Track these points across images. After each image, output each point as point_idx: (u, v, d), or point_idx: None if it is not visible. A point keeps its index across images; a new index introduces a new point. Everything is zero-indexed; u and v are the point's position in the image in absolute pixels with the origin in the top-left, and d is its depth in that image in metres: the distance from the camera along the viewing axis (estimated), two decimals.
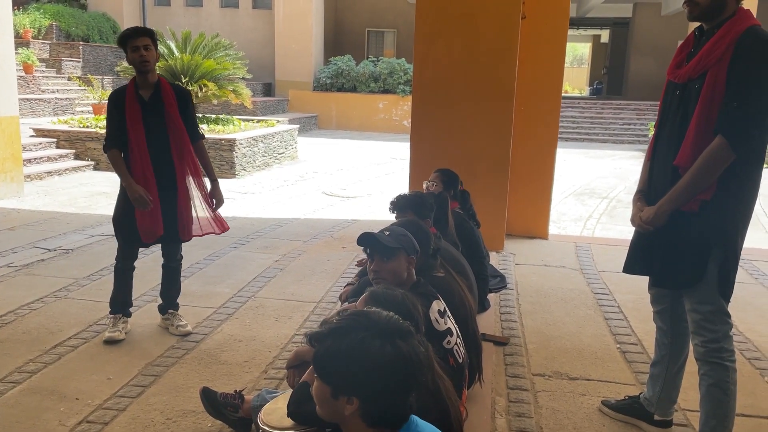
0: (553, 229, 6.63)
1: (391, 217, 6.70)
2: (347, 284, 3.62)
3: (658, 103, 2.66)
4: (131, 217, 3.57)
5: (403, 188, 9.37)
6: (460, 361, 2.48)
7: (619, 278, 5.01)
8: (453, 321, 2.55)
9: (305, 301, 4.44)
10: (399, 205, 3.35)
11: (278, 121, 13.78)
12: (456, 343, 2.49)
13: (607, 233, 7.31)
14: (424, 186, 4.26)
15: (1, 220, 6.34)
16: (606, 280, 4.99)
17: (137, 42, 3.45)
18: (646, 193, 2.57)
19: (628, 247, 2.66)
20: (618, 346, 3.76)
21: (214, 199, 3.81)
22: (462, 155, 5.43)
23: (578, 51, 41.43)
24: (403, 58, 19.65)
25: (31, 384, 3.11)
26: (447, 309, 2.55)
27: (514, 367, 3.40)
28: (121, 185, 3.61)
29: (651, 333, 3.75)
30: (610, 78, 26.89)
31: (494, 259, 5.15)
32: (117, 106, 3.54)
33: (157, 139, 3.54)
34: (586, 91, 32.66)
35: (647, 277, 2.64)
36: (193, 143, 3.76)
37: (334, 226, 6.93)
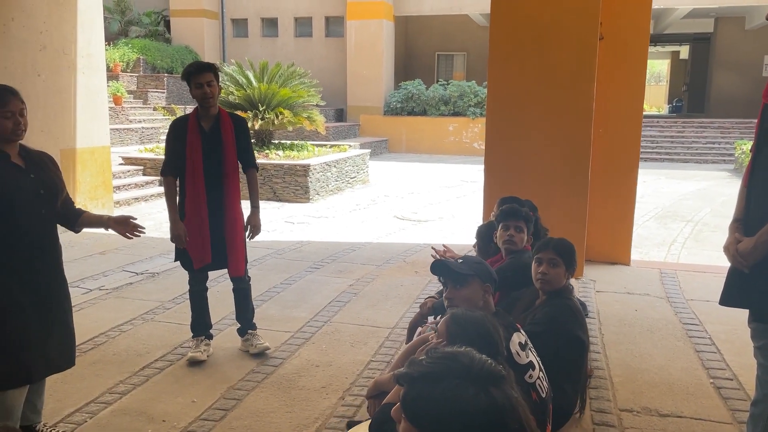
0: (635, 255, 6.37)
1: (467, 241, 6.59)
2: (428, 297, 3.61)
3: (755, 124, 2.52)
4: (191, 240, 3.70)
5: (476, 212, 9.29)
6: (543, 395, 2.39)
7: (710, 308, 4.74)
8: (535, 354, 2.47)
9: (380, 327, 4.43)
10: (516, 213, 3.36)
11: (350, 146, 14.01)
12: (539, 377, 2.41)
13: (694, 259, 6.94)
14: (492, 216, 4.20)
15: (93, 245, 6.71)
16: (695, 310, 4.73)
17: (200, 79, 3.56)
18: (744, 222, 2.42)
19: (717, 274, 2.53)
20: (711, 380, 3.54)
21: (250, 225, 3.81)
22: (538, 179, 5.32)
23: (656, 68, 40.15)
24: (473, 81, 19.62)
25: (122, 405, 3.24)
26: (529, 342, 2.47)
27: (600, 402, 3.25)
28: (180, 208, 3.72)
29: (747, 367, 3.51)
30: (691, 95, 25.82)
31: (574, 286, 4.98)
32: (178, 134, 3.66)
33: (212, 168, 3.65)
34: (664, 109, 31.48)
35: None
36: (245, 170, 3.86)
37: (407, 250, 6.93)
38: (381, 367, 3.74)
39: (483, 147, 19.53)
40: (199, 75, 3.55)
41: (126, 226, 2.88)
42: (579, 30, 5.20)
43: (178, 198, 3.75)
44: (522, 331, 2.49)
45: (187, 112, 16.09)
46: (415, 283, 5.51)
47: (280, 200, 10.17)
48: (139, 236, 2.94)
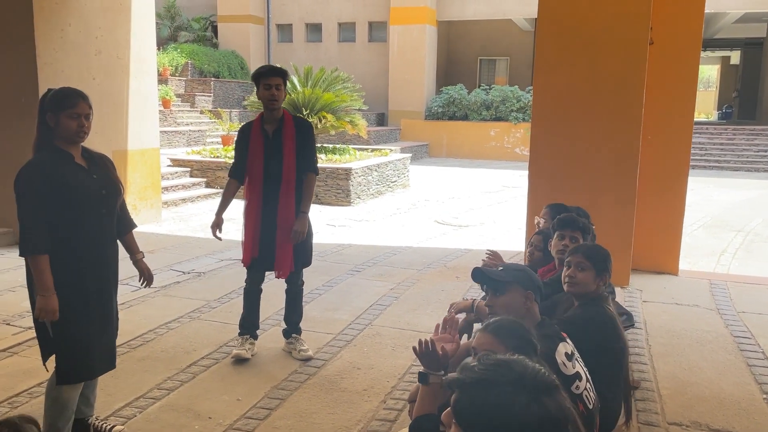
0: (683, 264, 6.21)
1: (509, 246, 6.54)
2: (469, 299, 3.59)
3: None
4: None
5: (518, 217, 9.20)
6: (590, 407, 2.36)
7: (762, 321, 4.59)
8: (582, 364, 2.44)
9: (421, 332, 4.42)
10: (573, 223, 3.33)
11: (391, 150, 14.05)
12: (586, 388, 2.37)
13: (745, 270, 6.72)
14: (536, 221, 4.16)
15: (142, 244, 6.83)
16: (747, 323, 4.58)
17: (270, 81, 3.67)
18: None
19: None
20: (765, 396, 3.42)
21: (293, 229, 3.77)
22: (584, 186, 5.24)
23: (705, 73, 39.06)
24: (516, 86, 19.44)
25: (169, 401, 3.32)
26: (575, 351, 2.44)
27: (647, 414, 3.18)
28: (245, 210, 3.85)
29: None
30: (742, 102, 25.03)
31: (619, 296, 4.89)
32: (243, 138, 3.81)
33: (271, 171, 3.74)
34: (713, 116, 30.58)
35: None
36: (303, 174, 3.85)
37: (447, 255, 6.91)
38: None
39: (525, 152, 19.28)
40: (269, 77, 3.66)
41: (144, 275, 2.99)
42: (629, 35, 5.12)
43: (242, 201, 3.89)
44: (569, 340, 2.45)
45: (233, 115, 16.30)
46: (457, 288, 5.49)
47: (321, 203, 10.27)
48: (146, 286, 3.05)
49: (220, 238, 3.91)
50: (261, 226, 3.78)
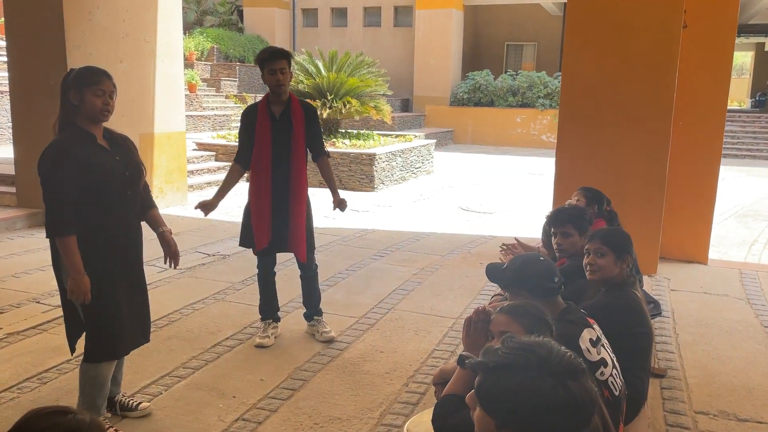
0: (712, 254, 6.08)
1: (533, 234, 6.49)
2: (494, 295, 3.57)
3: None
4: (249, 224, 3.78)
5: (543, 204, 9.09)
6: (617, 393, 2.32)
7: None
8: (609, 350, 2.40)
9: (444, 317, 4.42)
10: (557, 219, 3.24)
11: (415, 136, 13.98)
12: (611, 374, 2.33)
13: None
14: (567, 204, 4.09)
15: (169, 226, 6.98)
16: None
17: (275, 65, 3.57)
18: None
19: None
20: None
21: (339, 203, 3.91)
22: (612, 173, 5.15)
23: (738, 60, 38.07)
24: (543, 71, 19.16)
25: (194, 380, 3.37)
26: (602, 337, 2.40)
27: (674, 403, 3.14)
28: (249, 197, 3.80)
29: None
30: None
31: (647, 284, 4.82)
32: (249, 122, 3.70)
33: (280, 153, 3.68)
34: (746, 104, 29.83)
35: None
36: (316, 159, 3.89)
37: (472, 241, 6.87)
38: (445, 357, 3.74)
39: (552, 139, 19.06)
40: (273, 61, 3.57)
41: (168, 250, 2.93)
42: (661, 18, 4.99)
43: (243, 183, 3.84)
44: (595, 326, 2.42)
45: (258, 100, 16.48)
46: (480, 275, 5.43)
47: (345, 188, 10.26)
48: (173, 267, 2.99)
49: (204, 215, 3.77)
50: (273, 212, 3.71)
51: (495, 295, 3.44)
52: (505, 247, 3.76)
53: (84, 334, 2.74)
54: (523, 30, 21.69)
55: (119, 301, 2.68)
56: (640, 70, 5.08)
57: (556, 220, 3.28)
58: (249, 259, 5.76)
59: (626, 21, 5.07)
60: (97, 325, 2.65)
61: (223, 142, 11.24)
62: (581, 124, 5.30)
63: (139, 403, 3.00)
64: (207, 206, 3.70)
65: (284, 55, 3.64)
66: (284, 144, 3.67)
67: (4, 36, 12.64)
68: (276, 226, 3.75)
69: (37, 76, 6.72)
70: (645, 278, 4.89)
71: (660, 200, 5.21)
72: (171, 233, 2.95)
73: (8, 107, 10.28)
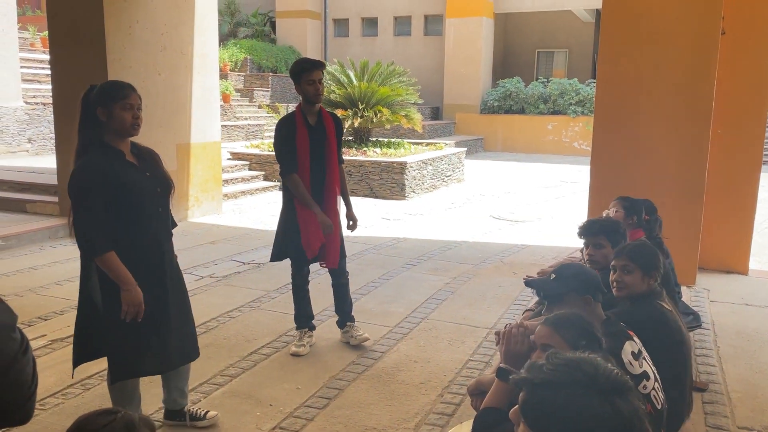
0: (753, 264, 5.94)
1: (566, 243, 6.41)
2: (525, 310, 3.54)
3: None
4: (293, 235, 3.78)
5: (576, 213, 8.99)
6: (659, 407, 2.29)
7: None
8: (650, 363, 2.37)
9: (478, 327, 4.40)
10: (590, 230, 3.21)
11: (446, 144, 13.97)
12: (654, 388, 2.30)
13: None
14: (604, 215, 4.05)
15: (205, 234, 7.11)
16: None
17: (313, 76, 3.63)
18: None
19: None
20: None
21: (351, 220, 3.94)
22: (649, 181, 5.08)
23: None
24: (575, 78, 18.98)
25: (232, 387, 3.42)
26: (643, 350, 2.37)
27: (716, 418, 3.07)
28: (284, 206, 3.85)
29: None
30: None
31: (686, 295, 4.73)
32: (288, 132, 3.72)
33: (317, 162, 3.73)
34: None
35: None
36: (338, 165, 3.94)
37: (504, 250, 6.83)
38: (480, 367, 3.73)
39: (584, 147, 18.78)
40: (311, 72, 3.64)
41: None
42: (699, 25, 4.92)
43: (283, 197, 3.90)
44: (636, 339, 2.39)
45: (290, 110, 16.49)
46: (514, 284, 5.42)
47: (376, 197, 10.31)
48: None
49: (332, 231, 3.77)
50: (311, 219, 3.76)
51: (526, 311, 3.42)
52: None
53: (93, 354, 2.67)
54: (555, 37, 21.52)
55: (146, 321, 2.59)
56: (677, 77, 5.01)
57: (589, 231, 3.25)
58: (283, 268, 5.81)
59: (662, 28, 5.01)
60: (119, 343, 2.59)
61: (256, 151, 11.40)
62: (617, 132, 5.25)
63: (207, 411, 3.00)
64: (329, 224, 3.74)
65: (320, 66, 3.71)
66: (320, 152, 3.74)
67: (47, 50, 13.06)
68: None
69: (79, 88, 6.81)
70: (684, 289, 4.80)
71: (698, 209, 5.12)
72: (176, 259, 2.88)
73: (51, 119, 10.61)
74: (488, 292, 5.20)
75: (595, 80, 18.40)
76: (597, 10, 19.69)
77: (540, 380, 1.35)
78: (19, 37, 11.38)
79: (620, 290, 2.75)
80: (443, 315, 4.64)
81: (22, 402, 0.72)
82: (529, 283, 2.49)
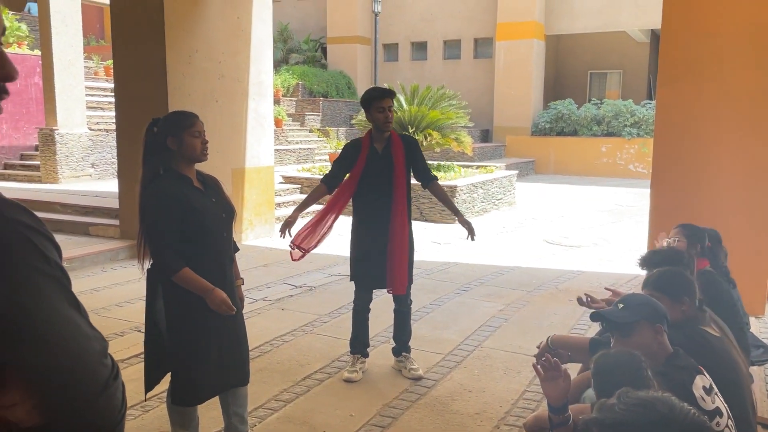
0: None
1: (624, 269, 6.21)
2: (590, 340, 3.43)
3: None
4: (361, 259, 3.83)
5: (634, 238, 8.73)
6: None
7: None
8: (722, 398, 2.25)
9: (533, 357, 4.28)
10: (652, 261, 3.10)
11: (496, 167, 13.86)
12: (727, 425, 2.18)
13: None
14: (664, 243, 3.90)
15: (257, 257, 7.22)
16: None
17: (383, 103, 3.70)
18: None
19: None
20: None
21: (465, 226, 4.04)
22: (714, 208, 4.89)
23: None
24: (630, 99, 18.59)
25: (286, 413, 3.42)
26: (714, 385, 2.26)
27: None
28: (353, 227, 3.89)
29: None
30: None
31: (754, 326, 4.50)
32: (350, 154, 3.83)
33: (383, 188, 3.76)
34: None
35: None
36: (427, 186, 3.99)
37: (559, 276, 6.68)
38: (537, 398, 3.62)
39: (640, 169, 18.26)
40: (381, 100, 3.70)
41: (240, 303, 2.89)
42: (763, 46, 4.74)
43: (352, 220, 3.95)
44: (706, 373, 2.28)
45: (340, 134, 16.68)
46: (570, 313, 5.28)
47: (426, 220, 10.28)
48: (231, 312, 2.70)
49: (286, 236, 3.82)
50: (377, 246, 3.80)
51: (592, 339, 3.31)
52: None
53: (162, 377, 2.72)
54: (607, 58, 21.19)
55: (210, 345, 2.64)
56: (742, 99, 4.83)
57: (651, 262, 3.14)
58: (335, 292, 5.86)
59: (725, 48, 4.86)
60: (182, 368, 2.63)
61: (307, 175, 11.57)
62: (678, 156, 5.09)
63: None
64: (288, 224, 3.79)
65: (390, 94, 3.78)
66: (386, 178, 3.77)
67: (110, 78, 13.67)
68: (378, 261, 3.82)
69: (140, 115, 7.14)
70: (752, 320, 4.57)
71: (766, 235, 4.89)
72: (242, 284, 2.95)
73: (113, 144, 11.05)
74: (544, 321, 5.08)
75: (651, 101, 18.10)
76: (652, 30, 19.33)
77: (611, 420, 1.30)
78: (83, 66, 11.95)
79: None
80: (497, 343, 4.55)
81: (111, 427, 0.74)
82: (596, 316, 2.41)
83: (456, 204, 10.34)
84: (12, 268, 0.65)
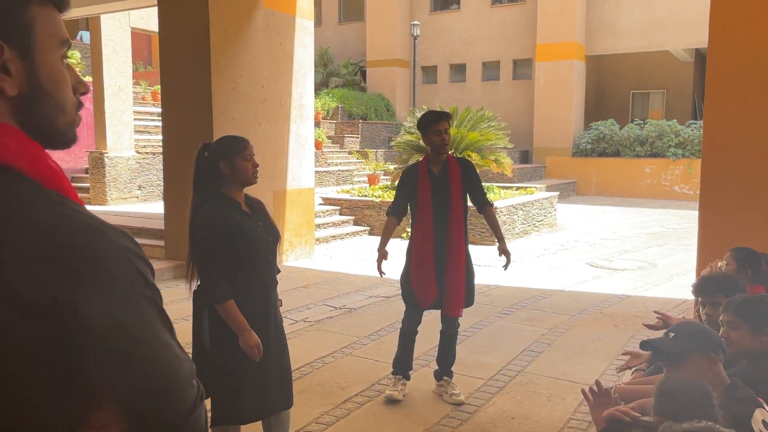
0: None
1: (671, 294, 6.01)
2: (635, 369, 3.33)
3: None
4: (408, 279, 3.85)
5: (681, 262, 8.49)
6: None
7: None
8: None
9: (578, 383, 4.18)
10: (706, 288, 3.00)
11: (536, 188, 13.71)
12: None
13: None
14: (717, 266, 3.78)
15: (298, 278, 7.28)
16: None
17: (440, 126, 3.73)
18: None
19: None
20: None
21: (503, 253, 4.03)
22: (765, 231, 4.72)
23: None
24: (674, 120, 18.21)
25: None
26: None
27: None
28: (408, 249, 3.92)
29: None
30: None
31: None
32: (409, 180, 3.88)
33: (440, 211, 3.78)
34: None
35: None
36: (481, 211, 4.01)
37: (603, 300, 6.52)
38: (583, 427, 3.52)
39: (686, 190, 17.75)
40: (438, 123, 3.74)
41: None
42: None
43: (408, 242, 4.00)
44: (766, 406, 2.18)
45: (378, 155, 16.78)
46: (615, 338, 5.15)
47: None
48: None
49: (383, 273, 3.93)
50: (435, 268, 3.80)
51: (636, 370, 3.21)
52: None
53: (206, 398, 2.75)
54: (650, 77, 20.85)
55: (252, 365, 2.64)
56: None
57: (705, 290, 3.04)
58: (374, 314, 5.85)
59: None
60: (225, 385, 2.64)
61: (346, 196, 11.65)
62: (728, 179, 4.94)
63: None
64: (383, 258, 3.90)
65: (446, 117, 3.82)
66: (443, 201, 3.79)
67: (157, 103, 14.12)
68: (438, 283, 3.83)
69: (186, 138, 7.38)
70: None
71: None
72: (281, 305, 2.94)
73: (159, 167, 11.37)
74: (588, 346, 4.96)
75: (696, 121, 17.70)
76: (696, 49, 18.97)
77: None
78: (132, 92, 12.37)
79: (729, 347, 2.54)
80: (540, 368, 4.46)
81: None
82: (646, 345, 2.33)
83: None
84: (120, 293, 0.68)
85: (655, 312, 3.27)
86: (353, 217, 11.18)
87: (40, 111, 0.76)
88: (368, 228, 10.95)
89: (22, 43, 0.73)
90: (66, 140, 0.80)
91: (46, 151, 0.75)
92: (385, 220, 3.99)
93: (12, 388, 0.61)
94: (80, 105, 0.82)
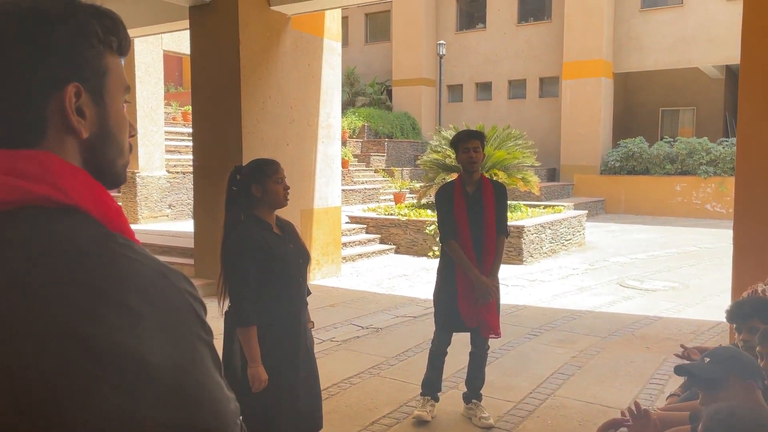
0: None
1: (705, 315, 5.89)
2: (670, 395, 3.25)
3: None
4: (450, 302, 3.79)
5: (714, 282, 8.30)
6: None
7: None
8: None
9: (611, 407, 4.09)
10: (741, 313, 2.91)
11: (564, 207, 13.57)
12: None
13: None
14: (759, 290, 3.68)
15: (324, 297, 7.29)
16: None
17: (469, 144, 3.75)
18: None
19: None
20: None
21: (487, 288, 3.76)
22: None
23: None
24: (705, 137, 17.92)
25: None
26: None
27: None
28: (441, 269, 3.88)
29: None
30: None
31: None
32: (445, 200, 3.85)
33: (475, 231, 3.77)
34: None
35: None
36: (497, 236, 3.89)
37: (634, 322, 6.39)
38: None
39: (718, 209, 17.46)
40: (467, 141, 3.76)
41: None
42: None
43: (440, 262, 3.97)
44: None
45: (404, 174, 16.78)
46: (648, 361, 5.03)
47: None
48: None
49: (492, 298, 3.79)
50: (467, 288, 3.78)
51: (671, 395, 3.13)
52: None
53: None
54: (680, 94, 20.61)
55: (283, 389, 2.65)
56: None
57: (739, 315, 2.95)
58: (401, 334, 5.82)
59: None
60: (255, 405, 2.60)
61: (373, 215, 11.68)
62: (763, 197, 4.83)
63: None
64: (490, 289, 3.77)
65: (478, 136, 3.82)
66: (478, 221, 3.78)
67: (187, 123, 14.39)
68: (463, 304, 3.81)
69: (216, 158, 7.50)
70: None
71: None
72: (313, 326, 2.92)
73: (189, 186, 11.55)
74: (620, 369, 4.86)
75: (727, 139, 17.40)
76: (727, 66, 18.71)
77: None
78: (163, 112, 12.63)
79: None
80: (571, 392, 4.38)
81: None
82: (681, 370, 2.28)
83: (523, 244, 10.19)
84: (180, 336, 0.70)
85: (681, 346, 3.19)
86: (379, 236, 11.19)
87: (105, 153, 0.79)
88: (394, 246, 10.94)
89: (96, 89, 0.77)
90: (120, 181, 0.84)
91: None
92: (449, 247, 3.80)
93: (69, 424, 0.62)
94: (131, 148, 0.86)
